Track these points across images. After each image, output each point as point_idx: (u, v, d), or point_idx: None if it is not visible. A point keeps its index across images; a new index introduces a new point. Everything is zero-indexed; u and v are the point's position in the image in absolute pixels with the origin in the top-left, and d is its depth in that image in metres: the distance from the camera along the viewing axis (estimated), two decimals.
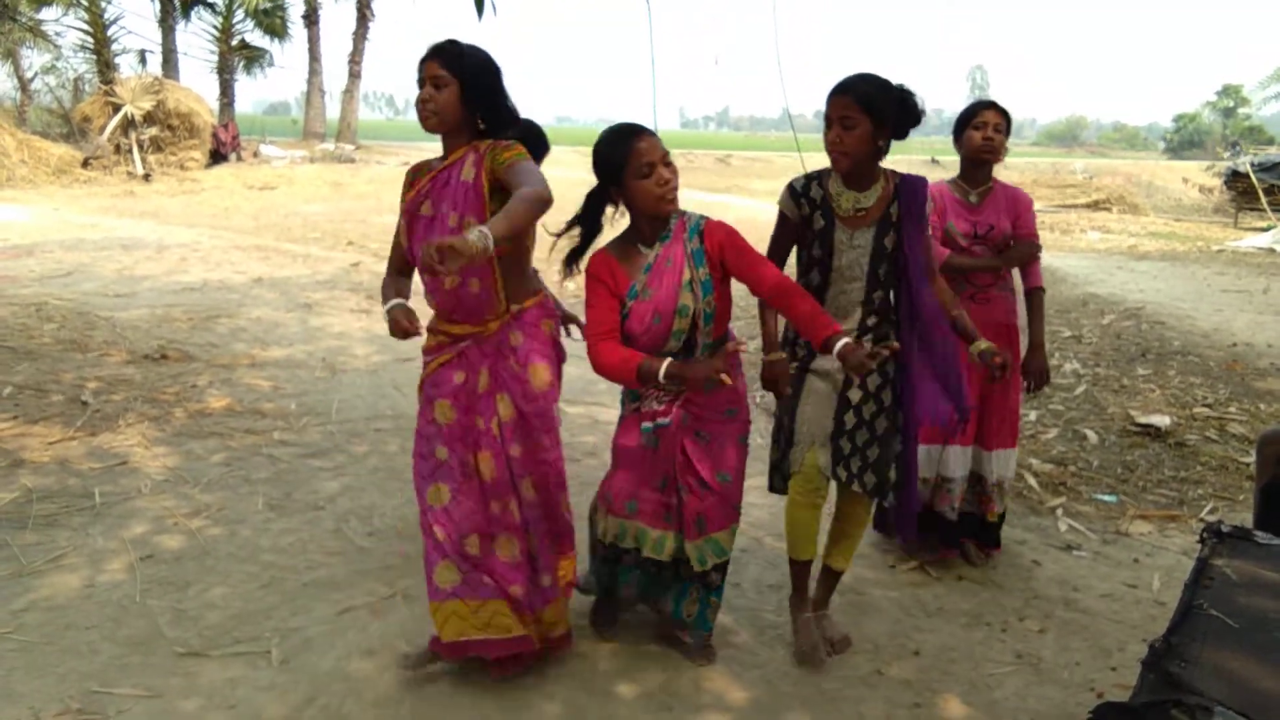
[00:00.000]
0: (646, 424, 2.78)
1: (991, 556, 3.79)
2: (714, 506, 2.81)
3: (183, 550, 3.63)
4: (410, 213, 2.74)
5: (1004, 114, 3.52)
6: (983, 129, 3.48)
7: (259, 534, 3.81)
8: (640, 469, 2.82)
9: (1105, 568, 3.77)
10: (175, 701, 2.69)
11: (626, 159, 2.62)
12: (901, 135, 2.79)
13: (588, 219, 2.79)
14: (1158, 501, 4.45)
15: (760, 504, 4.30)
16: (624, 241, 2.79)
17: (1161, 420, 5.30)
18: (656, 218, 2.71)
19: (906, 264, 2.83)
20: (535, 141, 3.51)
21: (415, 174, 2.80)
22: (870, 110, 2.68)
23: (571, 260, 2.80)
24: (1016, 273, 3.70)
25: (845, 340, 2.49)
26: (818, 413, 2.95)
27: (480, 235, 2.20)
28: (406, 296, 2.80)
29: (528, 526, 2.81)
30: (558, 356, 2.89)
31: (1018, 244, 3.60)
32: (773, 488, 3.09)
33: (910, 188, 2.85)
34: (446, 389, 2.76)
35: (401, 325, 2.65)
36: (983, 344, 2.94)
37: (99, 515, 3.90)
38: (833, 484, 3.01)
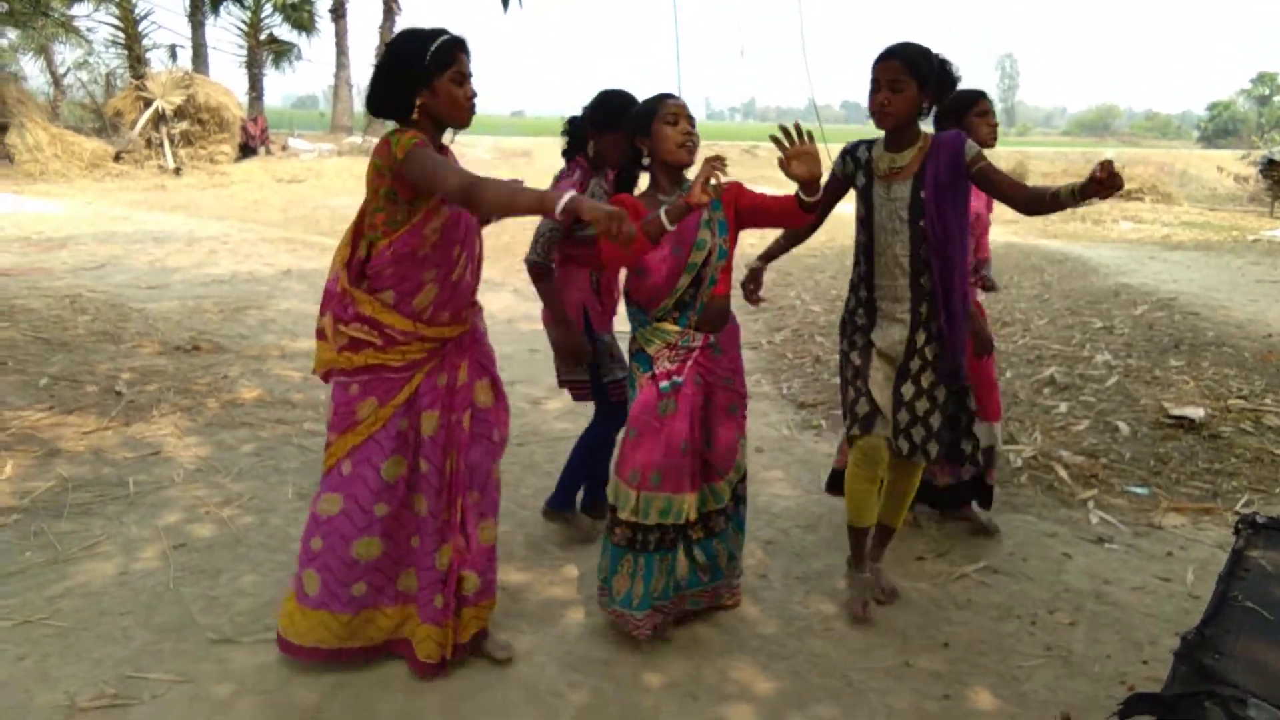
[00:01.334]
0: (664, 383, 2.88)
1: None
2: (724, 459, 3.01)
3: (214, 539, 3.68)
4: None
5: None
6: (986, 116, 3.53)
7: (289, 523, 3.85)
8: (661, 436, 2.88)
9: (1137, 561, 3.73)
10: (207, 687, 2.73)
11: (656, 108, 2.86)
12: (940, 101, 3.06)
13: (623, 182, 3.04)
14: (1191, 494, 4.40)
15: (787, 495, 4.30)
16: (644, 195, 2.98)
17: (1195, 412, 5.22)
18: (675, 166, 2.90)
19: (924, 208, 2.98)
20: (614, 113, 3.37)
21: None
22: (916, 74, 2.90)
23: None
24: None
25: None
26: (881, 385, 3.11)
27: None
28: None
29: (484, 515, 2.83)
30: None
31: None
32: (850, 432, 3.26)
33: (942, 141, 3.02)
34: (432, 398, 2.69)
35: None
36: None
37: (133, 504, 3.96)
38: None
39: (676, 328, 2.90)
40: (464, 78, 2.53)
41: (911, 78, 2.89)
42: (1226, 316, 7.86)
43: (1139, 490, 4.41)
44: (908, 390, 3.10)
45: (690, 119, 2.89)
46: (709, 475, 3.02)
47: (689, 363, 2.91)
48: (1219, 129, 74.04)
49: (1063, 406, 5.49)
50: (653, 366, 2.92)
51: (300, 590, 2.76)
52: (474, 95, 2.57)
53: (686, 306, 2.90)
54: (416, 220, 2.54)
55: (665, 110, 2.85)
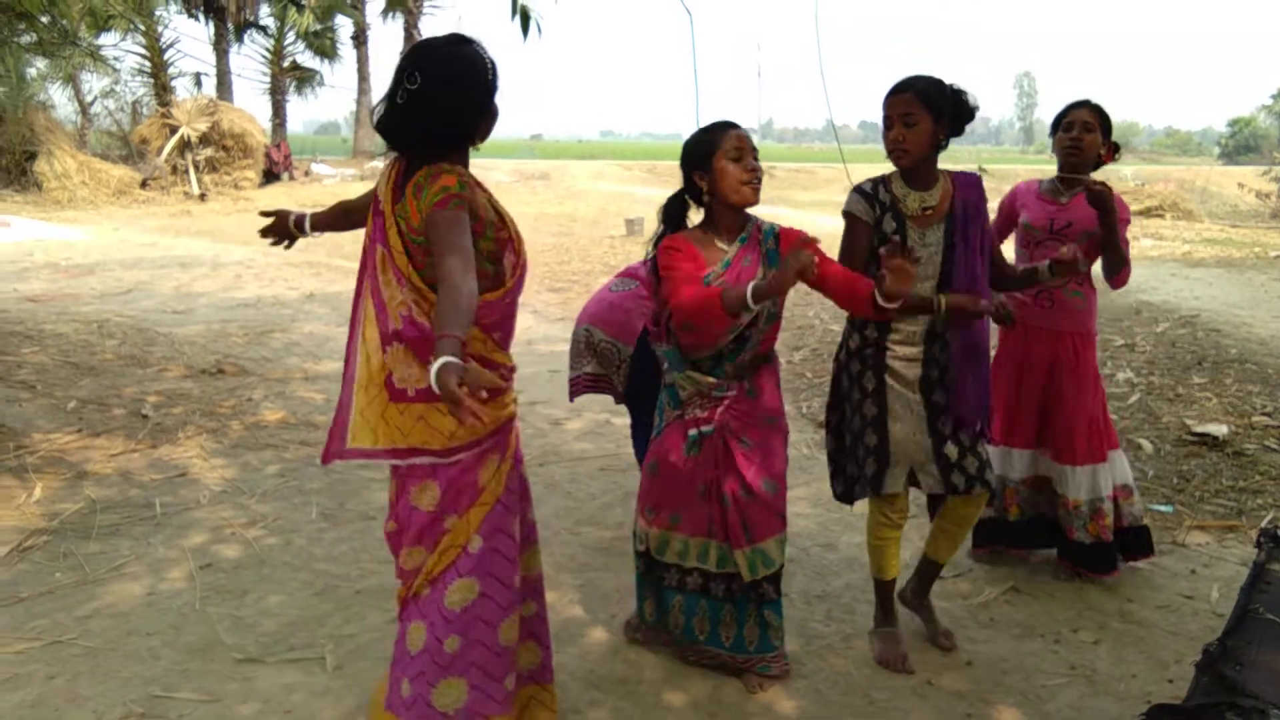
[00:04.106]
0: (693, 430, 2.78)
1: (1103, 579, 3.59)
2: (760, 513, 2.79)
3: (240, 559, 3.72)
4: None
5: (1097, 112, 3.38)
6: (1070, 129, 3.37)
7: (313, 543, 3.88)
8: (681, 478, 2.81)
9: (1161, 579, 3.70)
10: (233, 706, 2.76)
11: (720, 142, 2.65)
12: (958, 132, 2.85)
13: (672, 221, 2.81)
14: (1215, 512, 4.36)
15: (807, 514, 4.30)
16: (701, 232, 2.78)
17: (1218, 429, 5.19)
18: (737, 208, 2.71)
19: (955, 253, 2.84)
20: None
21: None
22: (931, 107, 2.75)
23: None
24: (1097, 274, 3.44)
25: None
26: (910, 429, 2.92)
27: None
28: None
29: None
30: None
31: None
32: (844, 497, 3.09)
33: (968, 180, 2.92)
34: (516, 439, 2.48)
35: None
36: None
37: (159, 525, 4.01)
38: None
39: (711, 379, 2.75)
40: None
41: (925, 111, 2.74)
42: (1249, 333, 7.82)
43: (1163, 508, 4.38)
44: (946, 424, 2.91)
45: (755, 152, 2.68)
46: (735, 538, 2.80)
47: (720, 409, 2.77)
48: (1240, 145, 73.40)
49: None
50: (683, 409, 2.81)
51: (433, 710, 2.26)
52: None
53: (724, 359, 2.76)
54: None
55: (731, 145, 2.64)
